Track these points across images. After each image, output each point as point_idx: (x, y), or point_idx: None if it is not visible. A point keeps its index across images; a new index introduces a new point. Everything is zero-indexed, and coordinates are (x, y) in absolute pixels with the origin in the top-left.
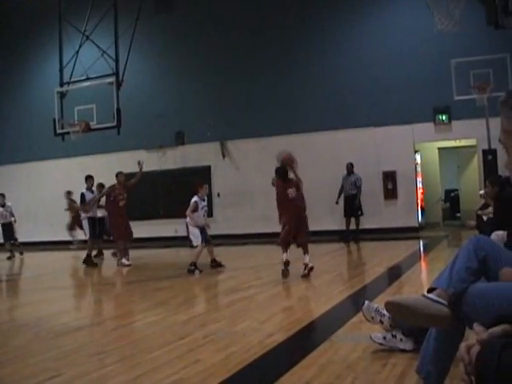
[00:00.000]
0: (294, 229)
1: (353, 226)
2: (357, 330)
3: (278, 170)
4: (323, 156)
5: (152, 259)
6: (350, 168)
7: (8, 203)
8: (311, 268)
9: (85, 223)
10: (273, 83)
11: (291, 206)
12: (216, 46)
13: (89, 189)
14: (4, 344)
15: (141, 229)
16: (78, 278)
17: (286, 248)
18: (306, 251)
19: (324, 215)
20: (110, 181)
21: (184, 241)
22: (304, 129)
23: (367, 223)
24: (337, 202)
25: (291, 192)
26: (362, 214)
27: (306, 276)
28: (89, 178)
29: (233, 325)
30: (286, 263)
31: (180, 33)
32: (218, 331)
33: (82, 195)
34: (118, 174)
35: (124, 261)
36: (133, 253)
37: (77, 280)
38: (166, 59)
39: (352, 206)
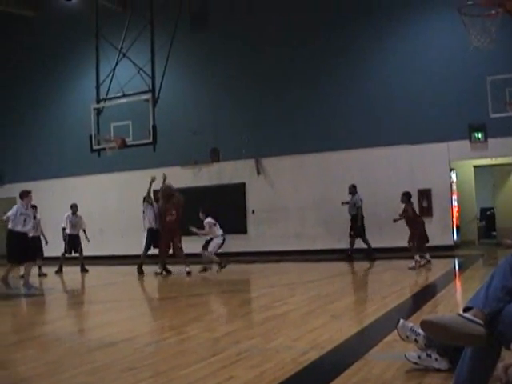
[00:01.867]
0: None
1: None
2: (391, 348)
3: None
4: (357, 174)
5: (182, 276)
6: (352, 189)
7: (38, 216)
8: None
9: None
10: (308, 100)
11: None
12: (250, 62)
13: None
14: (36, 358)
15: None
16: (111, 293)
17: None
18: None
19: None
20: (142, 196)
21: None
22: (339, 147)
23: (402, 241)
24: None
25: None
26: (359, 235)
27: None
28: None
29: (266, 342)
30: None
31: (215, 50)
32: (251, 348)
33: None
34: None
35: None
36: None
37: (110, 295)
38: (201, 76)
39: (355, 227)
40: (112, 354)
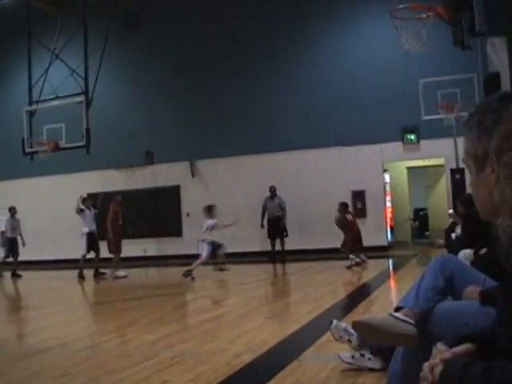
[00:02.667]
0: None
1: (278, 247)
2: (325, 349)
3: None
4: (292, 175)
5: (120, 279)
6: (273, 191)
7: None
8: None
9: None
10: (241, 102)
11: None
12: (184, 63)
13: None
14: None
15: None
16: (45, 298)
17: None
18: None
19: (295, 233)
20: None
21: (152, 261)
22: (273, 148)
23: (337, 242)
24: (262, 226)
25: None
26: (287, 235)
27: None
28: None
29: (201, 345)
30: None
31: (149, 51)
32: (186, 351)
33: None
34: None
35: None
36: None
37: (44, 300)
38: (135, 77)
39: (278, 228)
40: (44, 360)
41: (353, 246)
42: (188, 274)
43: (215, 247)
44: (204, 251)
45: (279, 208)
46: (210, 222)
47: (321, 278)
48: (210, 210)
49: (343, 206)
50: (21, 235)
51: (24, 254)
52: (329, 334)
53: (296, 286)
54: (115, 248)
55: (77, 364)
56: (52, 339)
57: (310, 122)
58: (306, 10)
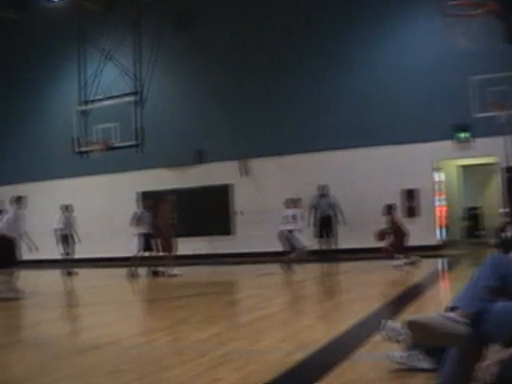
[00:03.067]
0: None
1: (327, 246)
2: (376, 349)
3: None
4: (343, 174)
5: (174, 277)
6: (325, 189)
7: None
8: None
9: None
10: (294, 102)
11: None
12: (236, 63)
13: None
14: (19, 362)
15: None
16: (98, 295)
17: None
18: None
19: (345, 233)
20: (127, 198)
21: (204, 259)
22: (324, 147)
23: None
24: (314, 224)
25: None
26: (334, 235)
27: None
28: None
29: (252, 343)
30: None
31: (200, 51)
32: (237, 350)
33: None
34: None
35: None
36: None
37: (97, 298)
38: (187, 77)
39: (328, 227)
40: (97, 356)
41: (397, 250)
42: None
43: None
44: (296, 240)
45: (330, 206)
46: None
47: (371, 277)
48: (294, 202)
49: (390, 208)
50: (76, 232)
51: (77, 252)
52: (379, 333)
53: (346, 285)
54: (166, 247)
55: (129, 361)
56: (105, 336)
57: (360, 121)
58: (359, 10)
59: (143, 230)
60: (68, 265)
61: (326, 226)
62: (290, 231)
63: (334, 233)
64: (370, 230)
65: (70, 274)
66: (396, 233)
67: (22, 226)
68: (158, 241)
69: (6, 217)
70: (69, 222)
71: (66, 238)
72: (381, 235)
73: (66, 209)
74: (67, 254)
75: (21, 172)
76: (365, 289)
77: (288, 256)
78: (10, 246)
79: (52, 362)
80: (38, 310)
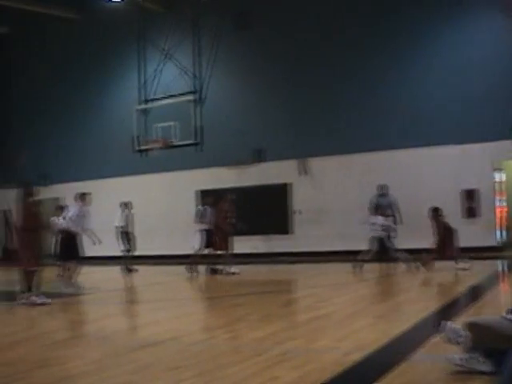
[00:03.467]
0: None
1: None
2: (435, 350)
3: None
4: (403, 174)
5: (232, 276)
6: (384, 189)
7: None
8: None
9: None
10: (354, 100)
11: None
12: (296, 62)
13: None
14: (81, 356)
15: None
16: (157, 292)
17: None
18: None
19: (404, 233)
20: (186, 196)
21: (263, 258)
22: (383, 146)
23: None
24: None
25: None
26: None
27: None
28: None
29: (310, 342)
30: None
31: (260, 50)
32: (294, 349)
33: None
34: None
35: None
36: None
37: (156, 294)
38: (246, 76)
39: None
40: (156, 353)
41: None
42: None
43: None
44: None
45: (390, 207)
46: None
47: (431, 278)
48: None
49: (437, 212)
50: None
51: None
52: (439, 334)
53: (405, 285)
54: (223, 245)
55: (188, 357)
56: (164, 332)
57: (420, 120)
58: (418, 8)
59: (206, 226)
60: (128, 262)
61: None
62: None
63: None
64: (429, 230)
65: (130, 270)
66: (443, 235)
67: (86, 222)
68: (217, 238)
69: (70, 213)
70: (128, 220)
71: (126, 235)
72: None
73: (126, 206)
74: (128, 250)
75: (82, 170)
76: (424, 290)
77: (361, 255)
78: (73, 240)
79: (112, 357)
80: (99, 305)
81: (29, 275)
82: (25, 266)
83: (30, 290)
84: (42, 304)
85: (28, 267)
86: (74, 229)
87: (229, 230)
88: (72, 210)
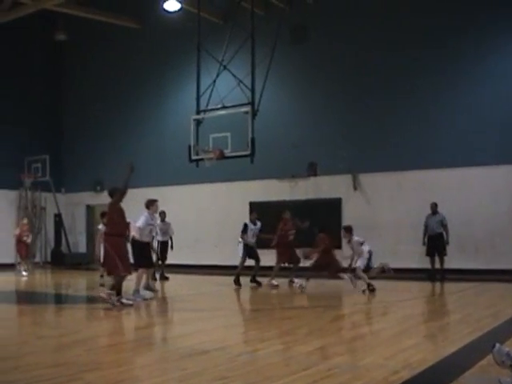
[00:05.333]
0: None
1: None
2: (485, 373)
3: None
4: (454, 193)
5: (280, 288)
6: (434, 207)
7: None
8: None
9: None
10: (408, 117)
11: None
12: (350, 77)
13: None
14: (129, 362)
15: (270, 257)
16: (205, 302)
17: None
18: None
19: (455, 252)
20: (238, 207)
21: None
22: (436, 165)
23: (501, 263)
24: (424, 243)
25: None
26: (446, 254)
27: None
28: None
29: (357, 359)
30: None
31: (315, 63)
32: (341, 364)
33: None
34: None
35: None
36: (262, 280)
37: (204, 304)
38: (300, 89)
39: (438, 246)
40: (203, 362)
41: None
42: None
43: None
44: None
45: (440, 225)
46: None
47: (482, 299)
48: None
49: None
50: (171, 238)
51: (185, 258)
52: (490, 357)
53: (455, 305)
54: (280, 259)
55: (235, 368)
56: (211, 342)
57: (472, 139)
58: (480, 26)
59: (248, 241)
60: (162, 269)
61: (434, 244)
62: None
63: (444, 252)
64: (480, 250)
65: (165, 278)
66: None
67: (154, 229)
68: (282, 252)
69: (139, 222)
70: (165, 229)
71: (162, 244)
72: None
73: (160, 215)
74: (158, 259)
75: (135, 177)
76: (474, 310)
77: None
78: (144, 249)
79: (160, 363)
80: (147, 312)
81: (119, 280)
82: (117, 271)
83: (118, 294)
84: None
85: (120, 273)
86: (144, 238)
87: (290, 245)
88: (142, 218)
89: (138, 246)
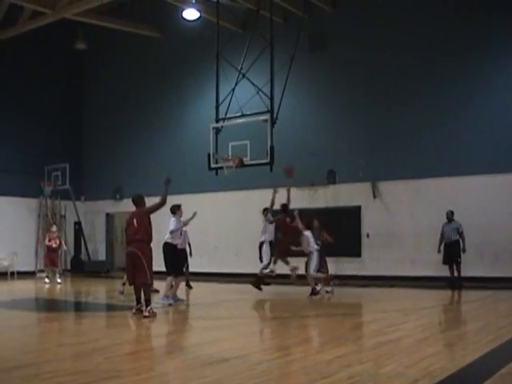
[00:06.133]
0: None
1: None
2: (506, 381)
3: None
4: (473, 200)
5: (298, 296)
6: (449, 215)
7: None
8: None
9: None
10: (427, 125)
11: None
12: (369, 85)
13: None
14: (149, 369)
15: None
16: (224, 310)
17: None
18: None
19: (475, 260)
20: (257, 216)
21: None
22: (455, 172)
23: None
24: (439, 251)
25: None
26: (459, 262)
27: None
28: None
29: (378, 367)
30: None
31: (334, 72)
32: (362, 373)
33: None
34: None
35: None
36: (280, 288)
37: (223, 312)
38: (319, 97)
39: (454, 253)
40: (223, 370)
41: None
42: None
43: None
44: None
45: (456, 232)
46: None
47: (503, 307)
48: None
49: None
50: (190, 245)
51: (205, 266)
52: (510, 366)
53: (475, 314)
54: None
55: (255, 376)
56: (230, 350)
57: (491, 147)
58: (496, 36)
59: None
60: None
61: (450, 252)
62: None
63: (459, 259)
64: (500, 258)
65: (190, 287)
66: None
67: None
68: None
69: (171, 227)
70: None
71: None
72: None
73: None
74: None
75: (154, 185)
76: (494, 319)
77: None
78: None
79: (180, 371)
80: (167, 320)
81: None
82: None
83: (139, 302)
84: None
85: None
86: (176, 241)
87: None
88: (172, 222)
89: (172, 250)
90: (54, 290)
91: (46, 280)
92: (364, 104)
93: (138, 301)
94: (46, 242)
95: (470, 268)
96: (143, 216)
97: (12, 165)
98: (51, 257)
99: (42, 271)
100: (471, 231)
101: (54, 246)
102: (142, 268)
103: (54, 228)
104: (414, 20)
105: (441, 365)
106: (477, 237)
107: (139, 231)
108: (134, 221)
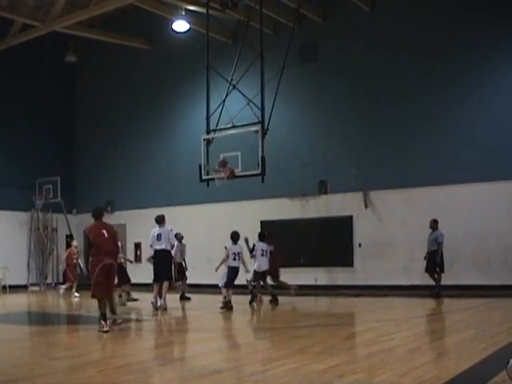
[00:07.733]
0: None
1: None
2: None
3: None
4: (466, 209)
5: (291, 307)
6: (432, 224)
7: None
8: None
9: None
10: (417, 134)
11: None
12: (360, 95)
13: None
14: (143, 382)
15: (281, 276)
16: (216, 321)
17: None
18: None
19: (465, 269)
20: (249, 226)
21: (325, 290)
22: (447, 181)
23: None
24: (424, 258)
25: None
26: (441, 271)
27: None
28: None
29: (371, 377)
30: None
31: (324, 82)
32: (356, 383)
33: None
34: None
35: None
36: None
37: (215, 324)
38: (310, 108)
39: (433, 262)
40: (216, 381)
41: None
42: None
43: None
44: None
45: (434, 242)
46: None
47: (496, 315)
48: None
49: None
50: (184, 260)
51: (198, 278)
52: (503, 373)
53: (469, 322)
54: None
55: None
56: (223, 361)
57: (482, 155)
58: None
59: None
60: (182, 290)
61: (428, 261)
62: None
63: (440, 268)
64: (492, 266)
65: (186, 298)
66: None
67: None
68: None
69: (167, 236)
70: (182, 250)
71: (180, 266)
72: None
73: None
74: (177, 281)
75: (147, 197)
76: (487, 327)
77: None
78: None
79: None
80: (158, 332)
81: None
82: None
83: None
84: None
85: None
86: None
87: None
88: (172, 234)
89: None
90: (45, 303)
91: (76, 294)
92: (355, 114)
93: (114, 311)
94: (69, 257)
95: (462, 276)
96: (111, 230)
97: (3, 178)
98: (75, 272)
99: (35, 284)
100: (464, 239)
101: (74, 261)
102: (113, 279)
103: (75, 243)
104: (404, 32)
105: (434, 374)
106: (469, 245)
107: (112, 243)
108: (105, 232)
